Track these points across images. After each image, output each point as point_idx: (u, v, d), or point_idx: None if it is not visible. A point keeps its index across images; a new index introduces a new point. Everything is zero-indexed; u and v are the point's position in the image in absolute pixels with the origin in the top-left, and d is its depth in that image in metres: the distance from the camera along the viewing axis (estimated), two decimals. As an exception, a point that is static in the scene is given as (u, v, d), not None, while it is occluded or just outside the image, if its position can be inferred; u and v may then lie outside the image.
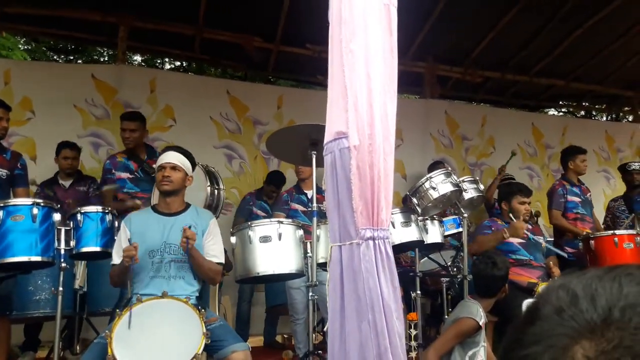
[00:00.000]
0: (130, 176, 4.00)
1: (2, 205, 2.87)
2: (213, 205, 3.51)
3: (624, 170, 5.61)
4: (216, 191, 3.56)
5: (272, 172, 5.54)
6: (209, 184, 3.54)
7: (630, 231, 4.37)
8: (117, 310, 2.60)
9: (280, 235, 3.18)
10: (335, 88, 1.75)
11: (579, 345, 0.45)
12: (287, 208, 4.42)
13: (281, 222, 3.26)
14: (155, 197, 3.57)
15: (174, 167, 2.94)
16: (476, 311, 2.90)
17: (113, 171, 4.02)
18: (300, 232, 3.30)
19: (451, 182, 3.64)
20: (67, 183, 4.58)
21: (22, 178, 3.67)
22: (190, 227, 2.82)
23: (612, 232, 4.32)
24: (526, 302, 3.44)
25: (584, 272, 0.51)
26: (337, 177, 1.71)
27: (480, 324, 2.86)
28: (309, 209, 4.12)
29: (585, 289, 0.48)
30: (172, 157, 2.97)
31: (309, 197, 4.37)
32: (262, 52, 6.34)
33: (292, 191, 4.55)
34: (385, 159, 1.69)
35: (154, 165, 3.18)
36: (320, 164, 3.10)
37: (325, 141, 1.79)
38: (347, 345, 1.58)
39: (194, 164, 3.11)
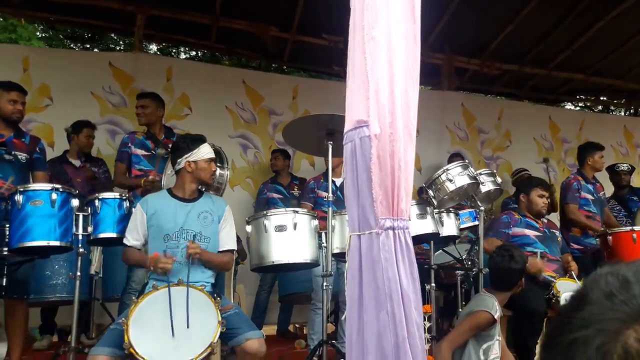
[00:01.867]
0: (146, 153, 4.06)
1: (21, 190, 2.90)
2: (215, 185, 3.52)
3: (612, 171, 5.62)
4: (219, 169, 3.59)
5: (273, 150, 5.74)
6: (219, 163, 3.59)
7: (649, 227, 4.32)
8: (134, 297, 2.62)
9: (295, 225, 3.18)
10: (356, 76, 1.74)
11: (632, 329, 0.45)
12: (313, 197, 4.44)
13: (297, 212, 3.25)
14: (166, 179, 3.59)
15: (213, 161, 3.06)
16: (492, 305, 2.88)
17: (129, 145, 4.08)
18: (316, 222, 3.30)
19: (468, 174, 3.60)
20: (77, 162, 4.60)
21: (41, 162, 3.70)
22: (202, 214, 2.87)
23: (630, 228, 4.27)
24: (565, 295, 3.42)
25: (633, 261, 0.50)
26: (357, 166, 1.69)
27: (496, 317, 2.85)
28: (337, 197, 4.14)
29: (636, 274, 0.48)
30: (212, 151, 3.07)
31: (338, 185, 4.37)
32: (278, 41, 6.32)
33: (320, 178, 4.56)
34: (405, 148, 1.68)
35: (171, 152, 3.18)
36: (336, 154, 3.10)
37: (345, 129, 1.78)
38: (365, 334, 1.58)
39: None
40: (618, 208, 5.52)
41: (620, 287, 0.48)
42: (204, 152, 3.01)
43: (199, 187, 3.06)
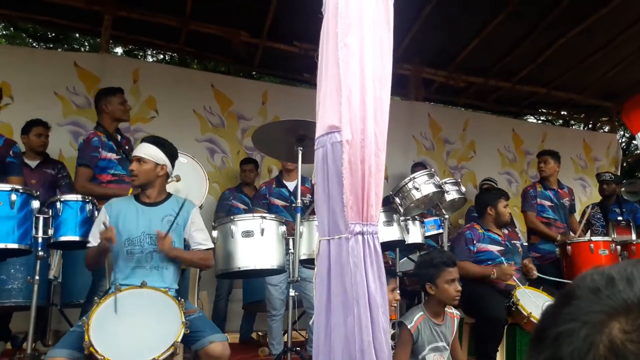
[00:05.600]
0: (117, 157, 3.74)
1: (-22, 190, 2.79)
2: None
3: (598, 180, 5.77)
4: None
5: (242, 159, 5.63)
6: (207, 178, 3.57)
7: (606, 238, 4.47)
8: (95, 298, 2.56)
9: (262, 231, 3.16)
10: (329, 82, 1.74)
11: (616, 321, 0.48)
12: (265, 203, 4.34)
13: (264, 217, 3.24)
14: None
15: (139, 160, 2.88)
16: (411, 317, 2.89)
17: (100, 149, 3.69)
18: (283, 228, 3.29)
19: (434, 183, 3.66)
20: (33, 163, 4.41)
21: (14, 166, 3.50)
22: (166, 217, 2.83)
23: (588, 238, 4.40)
24: (546, 304, 3.45)
25: (617, 263, 0.55)
26: (328, 171, 1.70)
27: (409, 327, 2.85)
28: (293, 204, 4.11)
29: (620, 272, 0.51)
30: (138, 149, 2.93)
31: (291, 190, 4.33)
32: (248, 47, 6.30)
33: (272, 184, 4.46)
34: (377, 154, 1.69)
35: None
36: (305, 159, 3.10)
37: (316, 135, 1.78)
38: (332, 338, 1.58)
39: (170, 153, 3.00)
40: (598, 217, 5.60)
41: (606, 284, 0.51)
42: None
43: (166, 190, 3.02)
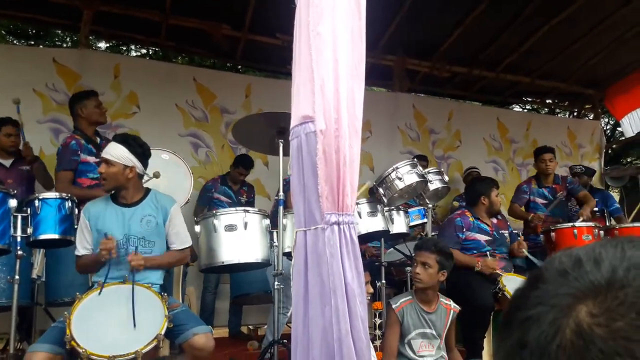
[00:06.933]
0: (96, 160, 3.63)
1: (-46, 190, 2.75)
2: None
3: (570, 172, 5.94)
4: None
5: (240, 155, 5.46)
6: (191, 173, 3.62)
7: (589, 224, 4.50)
8: (77, 293, 2.54)
9: (246, 224, 3.15)
10: (302, 72, 1.73)
11: (583, 304, 0.46)
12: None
13: (247, 211, 3.23)
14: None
15: (107, 162, 2.80)
16: (398, 299, 2.96)
17: (79, 153, 3.67)
18: (267, 221, 3.28)
19: (417, 172, 3.66)
20: (7, 162, 4.33)
21: None
22: (145, 218, 2.80)
23: (571, 224, 4.43)
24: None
25: (586, 244, 0.53)
26: (302, 162, 1.69)
27: (394, 307, 2.90)
28: None
29: (588, 253, 0.50)
30: (106, 150, 2.85)
31: None
32: (230, 40, 6.25)
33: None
34: (351, 144, 1.68)
35: None
36: (287, 152, 3.08)
37: (291, 125, 1.77)
38: (311, 329, 1.57)
39: (140, 151, 2.87)
40: (576, 209, 5.68)
41: (573, 265, 0.50)
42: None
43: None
